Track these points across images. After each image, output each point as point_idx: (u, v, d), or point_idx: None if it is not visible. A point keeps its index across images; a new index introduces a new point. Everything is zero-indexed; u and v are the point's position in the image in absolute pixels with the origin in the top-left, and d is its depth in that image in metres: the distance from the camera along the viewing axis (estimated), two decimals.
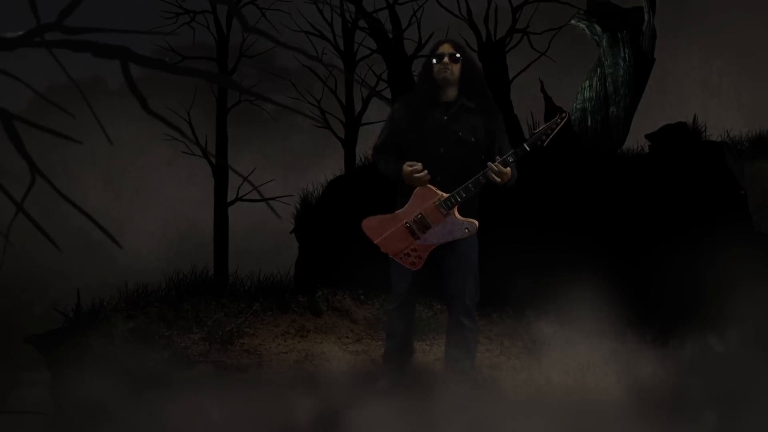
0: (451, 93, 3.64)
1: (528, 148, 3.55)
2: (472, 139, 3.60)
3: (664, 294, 5.13)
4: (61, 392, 4.00)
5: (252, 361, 3.94)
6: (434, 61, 3.61)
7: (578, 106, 6.92)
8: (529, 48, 6.96)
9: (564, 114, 3.68)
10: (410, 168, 3.55)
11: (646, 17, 6.79)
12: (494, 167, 3.48)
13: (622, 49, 6.89)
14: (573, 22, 6.98)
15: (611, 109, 6.89)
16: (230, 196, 6.99)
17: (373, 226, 3.65)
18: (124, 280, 4.47)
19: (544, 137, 3.57)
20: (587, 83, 6.92)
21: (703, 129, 6.69)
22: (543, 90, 6.79)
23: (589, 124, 6.91)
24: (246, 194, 6.76)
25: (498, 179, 3.50)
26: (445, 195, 3.57)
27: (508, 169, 3.51)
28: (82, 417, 3.74)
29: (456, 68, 3.60)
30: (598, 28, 6.91)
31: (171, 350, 4.00)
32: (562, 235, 5.15)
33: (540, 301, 4.34)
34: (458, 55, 3.62)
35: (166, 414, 3.61)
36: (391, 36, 6.96)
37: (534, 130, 7.08)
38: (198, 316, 4.26)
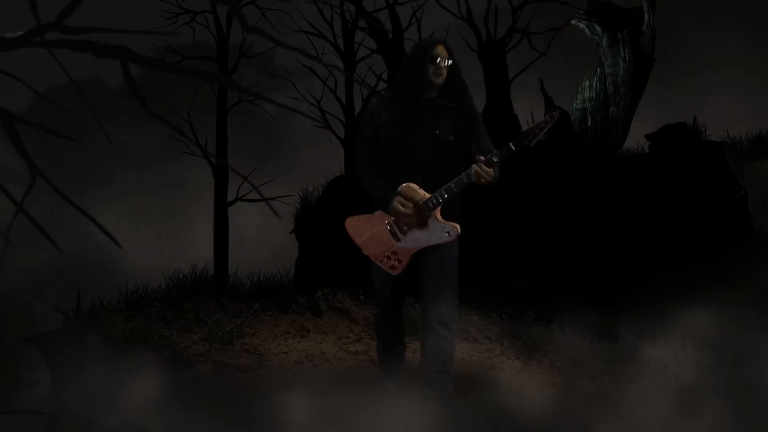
0: (433, 92, 3.51)
1: (513, 148, 3.37)
2: (451, 138, 3.47)
3: (665, 294, 5.13)
4: (61, 392, 4.00)
5: (252, 361, 3.94)
6: (428, 62, 3.46)
7: (578, 106, 6.92)
8: (529, 48, 6.96)
9: (555, 112, 3.50)
10: (401, 208, 3.44)
11: (646, 17, 6.79)
12: (480, 167, 3.33)
13: (622, 49, 6.89)
14: (573, 22, 6.98)
15: (611, 109, 6.89)
16: (230, 196, 6.98)
17: (356, 225, 3.55)
18: (124, 281, 4.46)
19: (531, 137, 3.39)
20: (587, 83, 6.92)
21: (703, 129, 6.70)
22: (543, 90, 6.78)
23: (589, 124, 6.92)
24: (246, 194, 6.70)
25: (483, 179, 3.34)
26: (428, 195, 3.44)
27: (492, 170, 3.35)
28: (82, 417, 3.74)
29: (445, 72, 3.48)
30: (598, 28, 6.91)
31: (171, 350, 4.00)
32: (562, 235, 5.14)
33: (540, 301, 4.33)
34: (449, 59, 3.50)
35: (166, 414, 3.61)
36: (391, 36, 6.95)
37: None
38: (198, 316, 4.26)
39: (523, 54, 6.96)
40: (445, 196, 3.42)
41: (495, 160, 3.36)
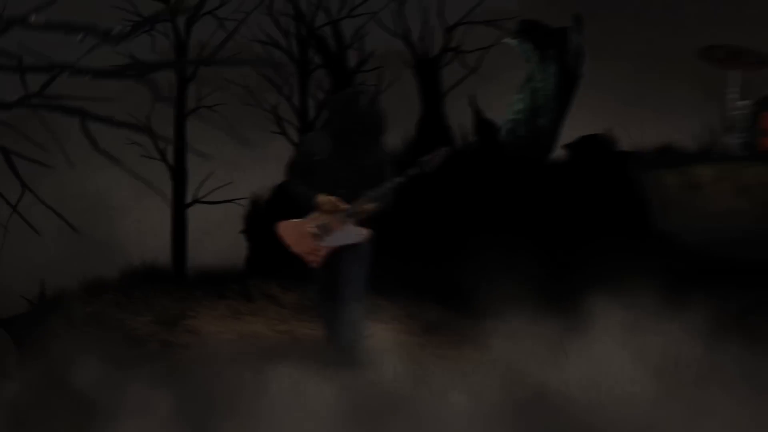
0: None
1: (411, 174, 4.29)
2: (366, 162, 4.34)
3: (578, 286, 5.70)
4: (27, 368, 4.56)
5: (193, 340, 4.60)
6: (356, 110, 4.30)
7: (510, 118, 7.42)
8: (462, 65, 7.59)
9: (443, 149, 4.35)
10: (324, 199, 4.31)
11: (573, 36, 7.44)
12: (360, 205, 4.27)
13: (550, 66, 7.40)
14: (506, 40, 7.57)
15: (540, 121, 7.46)
16: (189, 198, 7.37)
17: (287, 229, 4.39)
18: (82, 272, 5.05)
19: (425, 166, 4.30)
20: (519, 96, 7.41)
21: (616, 139, 7.36)
22: (473, 103, 7.45)
23: (521, 134, 7.45)
24: (204, 196, 7.07)
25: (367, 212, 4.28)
26: (346, 207, 4.29)
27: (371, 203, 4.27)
28: (45, 389, 4.30)
29: None
30: (529, 45, 7.40)
31: (123, 331, 4.63)
32: (474, 230, 5.78)
33: (439, 288, 4.97)
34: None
35: (119, 387, 4.17)
36: (334, 52, 7.59)
37: (465, 141, 7.70)
38: (147, 302, 4.92)
39: (457, 70, 7.61)
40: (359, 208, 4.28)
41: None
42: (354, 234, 4.28)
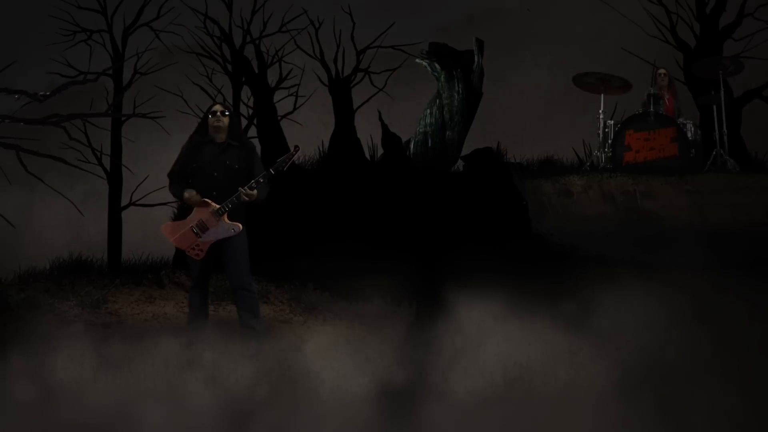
0: (222, 136, 5.16)
1: (273, 172, 5.05)
2: (236, 166, 5.11)
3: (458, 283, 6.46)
4: None
5: (113, 320, 5.47)
6: (210, 115, 5.13)
7: (421, 130, 8.22)
8: (370, 84, 8.46)
9: (297, 148, 5.13)
10: (188, 194, 5.08)
11: (476, 59, 8.29)
12: (242, 190, 4.97)
13: (456, 84, 8.19)
14: (417, 60, 8.35)
15: (447, 133, 8.18)
16: (125, 201, 7.67)
17: (169, 229, 5.17)
18: (18, 264, 5.88)
19: (283, 164, 5.07)
20: (428, 111, 8.20)
21: (505, 152, 8.28)
22: (381, 119, 8.30)
23: (429, 145, 8.20)
24: (139, 200, 7.66)
25: (247, 198, 5.00)
26: (217, 206, 5.03)
27: (255, 191, 4.99)
28: None
29: (225, 120, 5.15)
30: (437, 66, 8.21)
31: (53, 313, 5.47)
32: (361, 228, 6.66)
33: (318, 276, 5.86)
34: (226, 111, 5.17)
35: (49, 360, 4.93)
36: (257, 71, 8.42)
37: (371, 153, 8.53)
38: (74, 288, 5.77)
39: (366, 88, 8.46)
40: (228, 206, 5.04)
41: (255, 186, 5.00)
42: (227, 228, 5.01)
